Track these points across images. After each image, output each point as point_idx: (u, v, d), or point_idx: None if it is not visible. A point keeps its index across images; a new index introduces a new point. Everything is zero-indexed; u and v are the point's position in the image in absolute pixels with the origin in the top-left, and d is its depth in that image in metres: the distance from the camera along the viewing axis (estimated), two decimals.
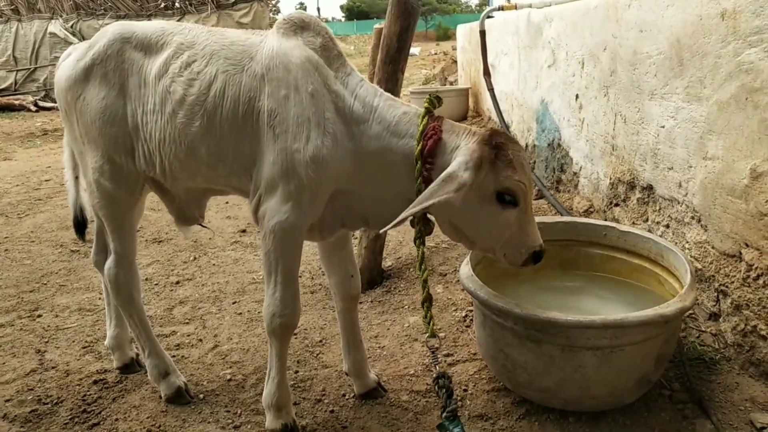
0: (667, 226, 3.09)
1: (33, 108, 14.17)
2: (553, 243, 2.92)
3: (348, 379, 2.63)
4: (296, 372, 2.79)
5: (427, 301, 2.09)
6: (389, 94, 2.14)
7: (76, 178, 2.72)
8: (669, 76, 2.98)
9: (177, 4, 15.98)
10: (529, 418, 2.34)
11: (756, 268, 2.37)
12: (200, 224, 2.60)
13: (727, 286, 2.57)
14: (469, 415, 2.40)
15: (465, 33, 10.02)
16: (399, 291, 3.58)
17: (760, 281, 2.35)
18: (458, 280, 2.82)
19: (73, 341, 3.19)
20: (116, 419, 2.50)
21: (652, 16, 3.12)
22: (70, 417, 2.52)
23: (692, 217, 2.83)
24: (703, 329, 2.75)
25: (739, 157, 2.43)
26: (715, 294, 2.67)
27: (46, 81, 15.35)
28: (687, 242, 2.88)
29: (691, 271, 2.31)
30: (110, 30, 2.34)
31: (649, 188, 3.29)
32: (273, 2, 17.84)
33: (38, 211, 5.77)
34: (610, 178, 3.82)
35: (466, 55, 9.99)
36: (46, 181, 7.07)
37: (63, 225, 5.24)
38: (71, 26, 15.65)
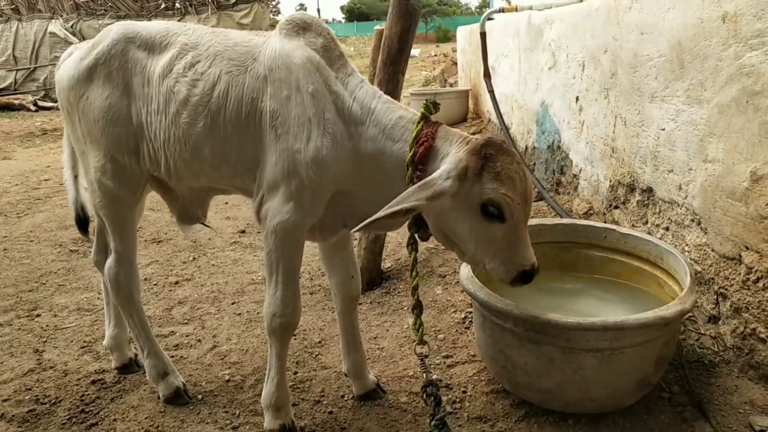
0: (667, 229, 3.09)
1: (33, 107, 14.18)
2: (553, 245, 2.93)
3: (347, 381, 2.62)
4: (295, 373, 2.78)
5: (417, 308, 2.09)
6: (388, 97, 2.13)
7: (76, 177, 2.72)
8: (669, 78, 2.98)
9: (177, 5, 16.01)
10: (529, 420, 2.34)
11: (756, 271, 2.37)
12: (203, 223, 2.60)
13: (726, 289, 2.57)
14: (468, 416, 2.39)
15: (465, 35, 10.03)
16: (398, 292, 3.58)
17: (760, 284, 2.35)
18: (458, 282, 2.82)
19: (72, 341, 3.18)
20: (114, 419, 2.50)
21: (653, 18, 3.12)
22: (68, 417, 2.52)
23: (692, 220, 2.83)
24: (703, 332, 2.75)
25: (740, 160, 2.43)
26: (715, 297, 2.66)
27: (46, 81, 15.35)
28: (687, 245, 2.88)
29: (691, 273, 2.31)
30: (114, 29, 2.34)
31: (649, 191, 3.28)
32: (273, 3, 17.85)
33: (37, 211, 5.77)
34: (610, 181, 3.82)
35: (466, 56, 9.99)
36: (46, 180, 7.07)
37: (62, 224, 5.24)
38: (71, 26, 15.66)
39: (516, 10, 6.41)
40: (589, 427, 2.26)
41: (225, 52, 2.17)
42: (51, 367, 2.91)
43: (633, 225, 3.47)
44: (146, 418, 2.48)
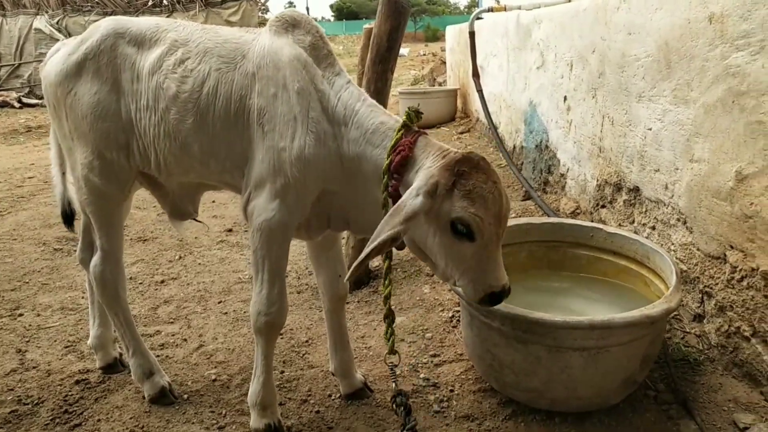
0: (653, 228, 3.11)
1: (17, 104, 14.02)
2: (540, 244, 2.94)
3: (334, 380, 2.61)
4: (282, 372, 2.76)
5: (389, 317, 2.07)
6: (373, 101, 2.10)
7: (63, 173, 2.69)
8: (657, 78, 2.99)
9: (165, 2, 15.89)
10: (516, 418, 2.34)
11: (740, 270, 2.39)
12: (194, 219, 2.59)
13: (711, 288, 2.59)
14: (456, 415, 2.39)
15: (454, 34, 10.04)
16: None
17: (744, 283, 2.37)
18: None
19: (55, 341, 3.14)
20: (98, 420, 2.47)
21: (641, 18, 3.14)
22: (51, 418, 2.48)
23: (678, 219, 2.84)
24: (688, 330, 2.77)
25: (725, 159, 2.44)
26: (700, 295, 2.68)
27: (31, 77, 15.20)
28: (672, 244, 2.90)
29: (677, 272, 2.32)
30: (104, 24, 2.32)
31: (636, 190, 3.30)
32: (262, 1, 17.76)
33: (21, 209, 5.69)
34: (597, 180, 3.84)
35: (455, 56, 10.01)
36: (30, 178, 6.98)
37: (46, 223, 5.18)
38: (57, 22, 15.50)
39: (505, 9, 6.42)
40: (576, 425, 2.27)
41: (215, 49, 2.16)
42: (34, 367, 2.87)
43: (620, 224, 3.48)
44: (131, 419, 2.46)
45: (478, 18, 7.33)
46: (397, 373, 2.68)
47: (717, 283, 2.54)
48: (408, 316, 3.25)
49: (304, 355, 2.93)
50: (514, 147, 5.97)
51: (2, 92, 14.62)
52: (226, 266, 4.15)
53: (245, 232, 4.76)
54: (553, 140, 4.79)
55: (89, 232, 2.62)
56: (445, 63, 12.22)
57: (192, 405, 2.54)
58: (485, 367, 2.41)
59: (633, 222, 3.35)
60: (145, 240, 4.76)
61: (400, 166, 1.89)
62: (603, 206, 3.78)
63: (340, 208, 2.18)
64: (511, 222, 2.88)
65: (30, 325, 3.32)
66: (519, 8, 5.94)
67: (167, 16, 14.75)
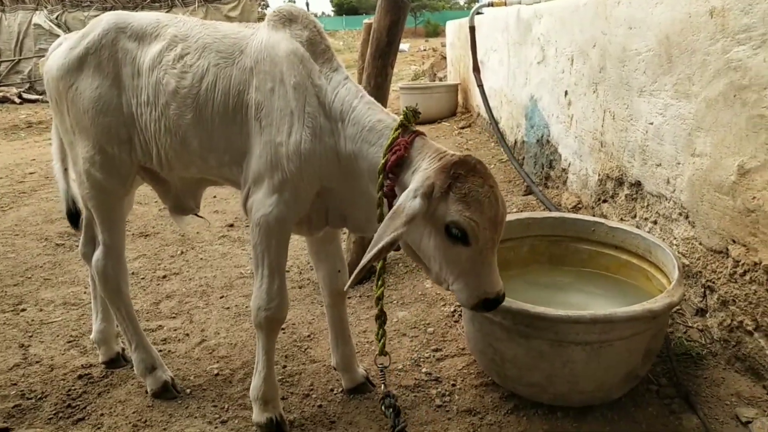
0: (655, 222, 3.11)
1: (17, 100, 14.01)
2: (542, 238, 2.94)
3: (336, 374, 2.62)
4: (284, 367, 2.77)
5: (380, 318, 2.05)
6: (371, 98, 2.08)
7: (65, 170, 2.68)
8: (658, 73, 2.99)
9: None
10: (518, 412, 2.34)
11: (743, 264, 2.39)
12: (196, 214, 2.59)
13: (714, 282, 2.59)
14: (458, 409, 2.40)
15: (454, 29, 10.02)
16: (388, 286, 3.57)
17: (747, 277, 2.37)
18: None
19: (58, 335, 3.15)
20: (101, 414, 2.48)
21: (642, 13, 3.13)
22: (54, 412, 2.49)
23: (680, 214, 2.84)
24: (690, 325, 2.77)
25: (727, 154, 2.44)
26: (702, 290, 2.69)
27: (31, 73, 15.18)
28: (675, 238, 2.90)
29: (679, 267, 2.32)
30: (105, 19, 2.32)
31: (638, 185, 3.30)
32: None
33: (22, 204, 5.70)
34: (599, 175, 3.84)
35: (456, 51, 9.99)
36: (31, 173, 6.98)
37: (48, 218, 5.18)
38: (56, 17, 15.48)
39: (505, 4, 6.41)
40: (578, 419, 2.27)
41: (213, 44, 2.16)
42: (37, 362, 2.88)
43: (621, 219, 3.48)
44: (134, 413, 2.46)
45: (479, 13, 7.31)
46: (400, 367, 2.70)
47: (719, 278, 2.55)
48: (410, 311, 3.25)
49: (306, 349, 2.94)
50: (516, 142, 5.97)
51: (2, 88, 14.61)
52: (227, 261, 4.15)
53: (246, 227, 4.76)
54: (555, 135, 4.79)
55: (91, 226, 2.62)
56: (445, 58, 12.20)
57: (194, 399, 2.55)
58: (487, 361, 2.41)
59: (635, 216, 3.35)
60: (146, 235, 4.76)
61: (396, 166, 1.87)
62: (605, 201, 3.78)
63: (337, 205, 2.18)
64: (512, 217, 2.89)
65: (33, 320, 3.33)
66: (519, 3, 5.92)
67: (167, 12, 14.74)
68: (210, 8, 15.91)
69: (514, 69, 5.97)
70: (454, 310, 3.18)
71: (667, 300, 2.12)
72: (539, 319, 2.10)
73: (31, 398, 2.59)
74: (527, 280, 2.84)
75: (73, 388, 2.66)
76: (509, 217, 2.78)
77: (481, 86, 6.78)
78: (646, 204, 3.21)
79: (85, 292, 3.62)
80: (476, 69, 7.05)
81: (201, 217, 2.74)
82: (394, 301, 3.39)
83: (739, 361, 2.47)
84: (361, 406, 2.47)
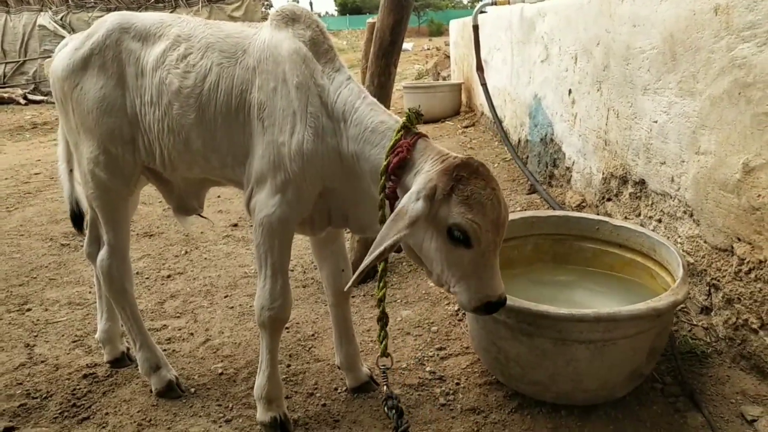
0: (660, 221, 3.10)
1: (22, 101, 14.06)
2: (546, 237, 2.93)
3: (340, 373, 2.62)
4: (288, 366, 2.77)
5: (382, 319, 2.05)
6: (374, 100, 2.07)
7: (71, 171, 2.70)
8: (662, 71, 2.98)
9: None
10: (521, 411, 2.34)
11: (748, 262, 2.38)
12: (199, 215, 2.59)
13: (718, 280, 2.58)
14: (462, 408, 2.39)
15: (458, 28, 10.01)
16: (391, 285, 3.58)
17: (752, 275, 2.36)
18: None
19: (63, 335, 3.16)
20: (106, 413, 2.48)
21: (646, 10, 3.12)
22: (59, 411, 2.50)
23: (684, 212, 2.83)
24: (695, 323, 2.76)
25: (732, 151, 2.43)
26: (707, 288, 2.68)
27: (36, 74, 15.23)
28: (679, 236, 2.89)
29: (683, 265, 2.32)
30: (110, 19, 2.33)
31: (642, 183, 3.29)
32: None
33: (28, 205, 5.72)
34: (603, 173, 3.83)
35: (459, 50, 9.98)
36: (36, 174, 7.01)
37: (53, 219, 5.20)
38: (61, 19, 15.52)
39: (509, 2, 6.40)
40: (581, 418, 2.27)
41: (216, 44, 2.17)
42: (42, 362, 2.89)
43: (626, 217, 3.47)
44: (138, 412, 2.47)
45: (482, 12, 7.30)
46: (404, 366, 2.70)
47: (724, 276, 2.54)
48: (414, 310, 3.25)
49: (310, 348, 2.94)
50: (519, 140, 5.96)
51: (7, 89, 14.66)
52: (231, 261, 4.16)
53: (250, 227, 4.77)
54: (558, 133, 4.78)
55: (96, 226, 2.63)
56: (449, 57, 12.18)
57: (199, 398, 2.55)
58: (491, 360, 2.41)
59: (639, 215, 3.34)
60: (151, 235, 4.78)
61: (398, 168, 1.86)
62: (609, 199, 3.77)
63: (340, 206, 2.18)
64: (516, 215, 2.89)
65: (38, 320, 3.34)
66: (523, 1, 5.91)
67: (170, 12, 14.78)
68: (214, 8, 15.92)
69: (518, 67, 5.96)
70: (458, 309, 3.18)
71: (671, 298, 2.11)
72: (542, 318, 2.10)
73: (36, 397, 2.60)
74: (531, 278, 2.84)
75: (78, 387, 2.67)
76: (513, 216, 2.78)
77: (484, 85, 6.77)
78: (650, 202, 3.21)
79: (90, 292, 3.64)
80: (480, 68, 7.04)
81: (204, 217, 2.75)
82: (398, 300, 3.39)
83: (745, 359, 2.46)
84: (365, 405, 2.47)
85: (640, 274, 2.68)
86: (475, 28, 7.06)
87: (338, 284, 2.46)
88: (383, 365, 2.12)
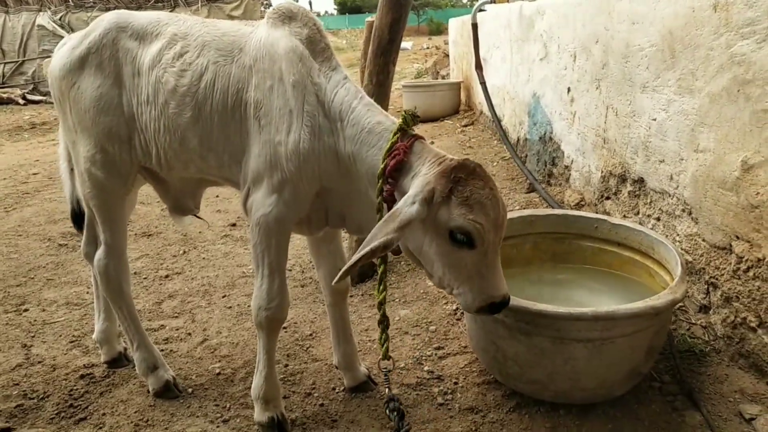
0: (658, 219, 3.09)
1: (21, 101, 14.05)
2: (545, 236, 2.93)
3: (338, 373, 2.61)
4: (286, 365, 2.77)
5: (383, 322, 2.04)
6: (370, 100, 2.06)
7: (72, 170, 2.69)
8: (661, 68, 2.97)
9: None
10: (520, 410, 2.33)
11: (746, 260, 2.37)
12: (195, 215, 2.58)
13: (717, 279, 2.57)
14: (460, 407, 2.39)
15: (457, 27, 10.00)
16: (390, 284, 3.57)
17: (750, 273, 2.35)
18: None
19: (60, 335, 3.16)
20: (103, 414, 2.48)
21: (645, 8, 3.11)
22: (56, 412, 2.49)
23: (683, 210, 2.82)
24: (694, 321, 2.75)
25: (731, 149, 2.42)
26: (706, 286, 2.67)
27: (35, 74, 15.22)
28: (678, 235, 2.88)
29: (682, 263, 2.31)
30: (107, 18, 2.33)
31: (641, 181, 3.28)
32: None
33: (26, 205, 5.71)
34: (602, 171, 3.82)
35: (458, 48, 9.96)
36: (34, 174, 6.99)
37: (51, 219, 5.19)
38: (60, 18, 15.51)
39: (507, 0, 6.38)
40: (580, 417, 2.26)
41: (213, 42, 2.16)
42: (39, 362, 2.88)
43: (624, 215, 3.46)
44: (136, 412, 2.46)
45: (481, 10, 7.29)
46: (402, 366, 2.69)
47: (723, 274, 2.53)
48: (412, 309, 3.24)
49: (308, 348, 2.93)
50: (518, 139, 5.95)
51: (6, 89, 14.65)
52: (230, 261, 4.15)
53: (248, 227, 4.76)
54: (557, 132, 4.77)
55: (93, 226, 2.62)
56: (448, 56, 12.17)
57: (196, 398, 2.55)
58: (489, 359, 2.40)
59: (638, 213, 3.33)
60: (149, 235, 4.77)
61: (395, 170, 1.86)
62: (607, 198, 3.76)
63: (337, 206, 2.17)
64: (515, 214, 2.88)
65: (35, 321, 3.33)
66: None
67: (169, 11, 14.76)
68: (213, 7, 15.91)
69: (517, 66, 5.95)
70: (456, 308, 3.17)
71: (669, 297, 2.10)
72: (540, 317, 2.09)
73: (33, 398, 2.59)
74: (530, 277, 2.83)
75: (75, 387, 2.66)
76: (512, 215, 2.77)
77: (483, 84, 6.76)
78: (649, 200, 3.20)
79: (87, 292, 3.63)
80: (479, 66, 7.02)
81: (200, 218, 2.74)
82: (397, 300, 3.38)
83: (743, 357, 2.45)
84: (363, 404, 2.46)
85: (638, 272, 2.67)
86: (474, 26, 7.05)
87: (336, 284, 2.45)
88: (384, 368, 2.11)
